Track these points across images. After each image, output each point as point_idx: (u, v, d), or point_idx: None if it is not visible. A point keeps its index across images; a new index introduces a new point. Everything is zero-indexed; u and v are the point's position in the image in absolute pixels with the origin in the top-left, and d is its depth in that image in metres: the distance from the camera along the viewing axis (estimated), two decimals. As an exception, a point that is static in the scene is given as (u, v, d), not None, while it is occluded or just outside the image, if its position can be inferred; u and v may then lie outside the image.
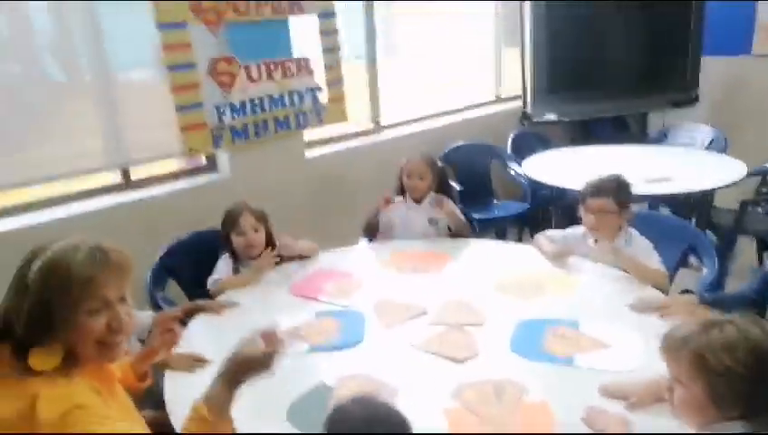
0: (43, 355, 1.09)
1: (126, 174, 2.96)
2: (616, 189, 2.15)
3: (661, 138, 4.38)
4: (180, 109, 2.89)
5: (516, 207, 3.95)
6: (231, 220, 2.28)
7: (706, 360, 1.10)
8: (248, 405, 1.27)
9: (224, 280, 2.22)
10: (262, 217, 2.32)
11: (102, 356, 1.19)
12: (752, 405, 1.09)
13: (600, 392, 1.46)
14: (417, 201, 2.62)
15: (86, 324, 1.12)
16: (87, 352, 1.15)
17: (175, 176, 3.16)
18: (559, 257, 2.24)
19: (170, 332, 1.54)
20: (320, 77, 3.44)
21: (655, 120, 4.87)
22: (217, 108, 3.01)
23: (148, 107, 2.91)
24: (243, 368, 1.13)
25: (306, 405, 1.48)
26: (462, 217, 2.60)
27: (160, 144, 2.94)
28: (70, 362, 1.13)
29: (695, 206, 3.57)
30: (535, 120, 4.41)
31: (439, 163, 2.66)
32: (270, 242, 2.35)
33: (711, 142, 4.05)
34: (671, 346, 1.18)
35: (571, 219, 2.41)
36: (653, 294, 1.96)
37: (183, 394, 1.53)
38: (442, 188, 2.63)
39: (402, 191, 2.65)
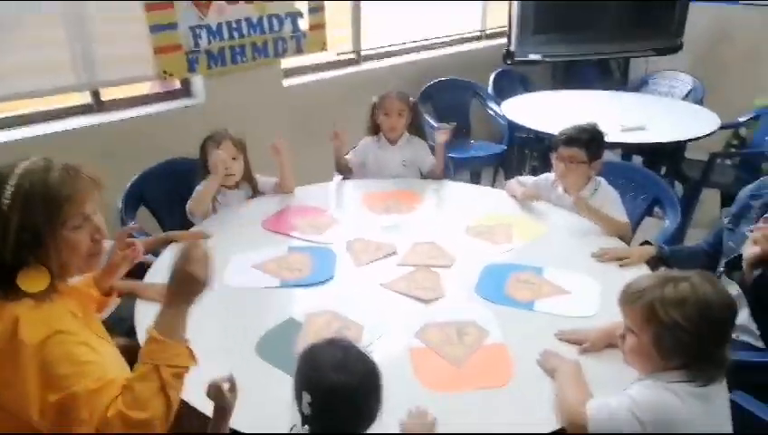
0: (31, 276, 1.12)
1: (96, 95, 2.86)
2: (588, 141, 2.16)
3: (642, 85, 4.38)
4: (154, 29, 2.78)
5: (493, 147, 3.97)
6: (211, 145, 2.24)
7: (657, 312, 1.18)
8: (217, 338, 1.31)
9: (196, 193, 2.22)
10: (242, 147, 2.29)
11: (89, 266, 1.25)
12: (692, 356, 1.18)
13: (556, 337, 1.54)
14: (392, 142, 2.59)
15: (73, 240, 1.16)
16: (77, 265, 1.20)
17: (147, 99, 3.07)
18: (527, 199, 2.29)
19: (131, 246, 1.55)
20: (301, 3, 3.32)
21: (637, 66, 4.85)
22: (193, 30, 2.90)
23: (120, 23, 2.76)
24: (181, 287, 1.12)
25: (275, 339, 1.53)
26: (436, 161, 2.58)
27: (132, 65, 2.84)
28: (52, 283, 1.15)
29: (666, 155, 3.62)
30: (519, 58, 4.34)
31: (412, 100, 2.62)
32: (247, 173, 2.34)
33: (689, 92, 4.07)
34: (628, 298, 1.25)
35: (546, 163, 2.44)
36: (615, 243, 2.03)
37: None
38: (416, 125, 2.61)
39: (375, 130, 2.61)
